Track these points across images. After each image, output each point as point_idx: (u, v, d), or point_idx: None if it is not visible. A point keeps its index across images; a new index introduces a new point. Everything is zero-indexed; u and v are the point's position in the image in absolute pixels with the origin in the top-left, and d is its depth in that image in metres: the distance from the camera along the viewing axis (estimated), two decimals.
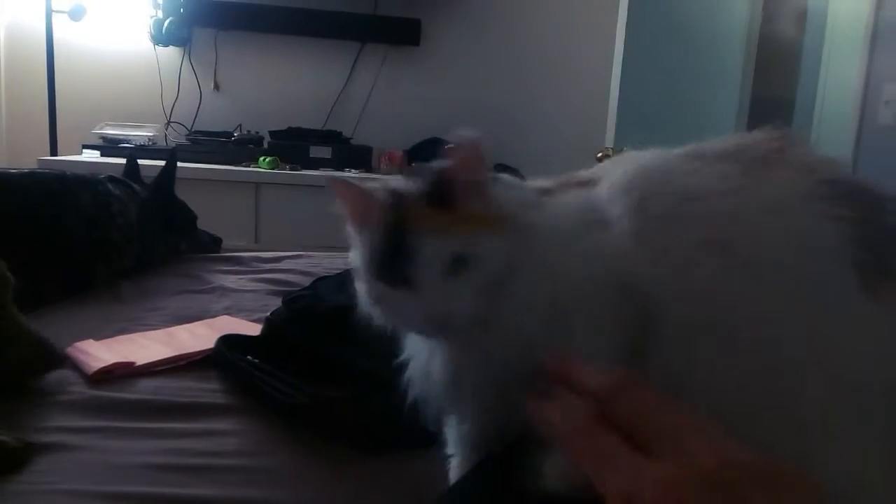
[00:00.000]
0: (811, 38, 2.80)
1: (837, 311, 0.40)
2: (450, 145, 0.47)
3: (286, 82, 3.10)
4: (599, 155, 2.35)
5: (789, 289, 0.40)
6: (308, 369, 0.88)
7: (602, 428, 0.35)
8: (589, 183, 0.51)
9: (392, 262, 0.46)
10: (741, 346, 0.41)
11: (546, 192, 0.51)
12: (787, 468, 0.32)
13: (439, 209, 0.45)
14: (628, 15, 2.23)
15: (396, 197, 0.47)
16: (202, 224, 1.78)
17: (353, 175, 2.81)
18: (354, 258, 0.50)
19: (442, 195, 0.46)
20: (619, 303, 0.44)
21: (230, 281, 1.45)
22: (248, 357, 0.92)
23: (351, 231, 0.51)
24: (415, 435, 0.77)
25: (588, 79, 3.03)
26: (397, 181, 0.49)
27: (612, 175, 0.50)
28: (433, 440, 0.75)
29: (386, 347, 0.88)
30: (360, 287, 0.50)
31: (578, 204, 0.49)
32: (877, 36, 2.24)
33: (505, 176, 0.51)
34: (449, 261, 0.44)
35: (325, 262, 1.62)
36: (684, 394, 0.39)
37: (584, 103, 3.03)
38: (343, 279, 1.19)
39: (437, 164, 0.48)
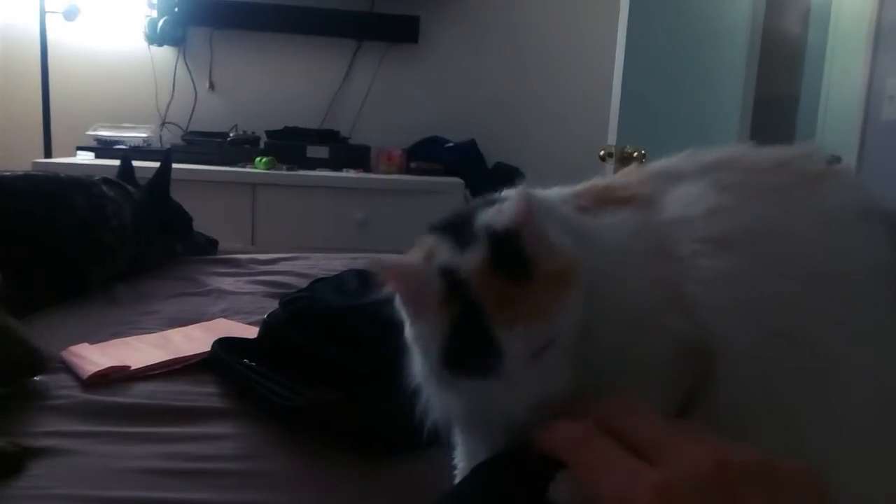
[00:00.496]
0: (815, 34, 2.79)
1: (878, 328, 0.41)
2: (501, 201, 0.41)
3: (282, 81, 3.08)
4: (602, 153, 2.33)
5: (842, 304, 0.41)
6: (306, 371, 0.86)
7: (600, 435, 0.35)
8: (634, 201, 0.47)
9: (468, 356, 0.40)
10: (798, 368, 0.41)
11: (584, 209, 0.46)
12: (787, 465, 0.32)
13: (511, 281, 0.38)
14: (630, 11, 2.21)
15: (456, 278, 0.39)
16: (198, 226, 1.76)
17: (353, 173, 2.80)
18: (412, 337, 0.44)
19: (509, 260, 0.38)
20: (690, 356, 0.42)
21: (226, 283, 1.43)
22: (245, 360, 0.91)
23: (404, 312, 0.44)
24: (415, 436, 0.76)
25: (590, 76, 3.02)
26: (446, 250, 0.41)
27: (668, 199, 0.46)
28: (433, 442, 0.74)
29: (385, 348, 0.86)
30: (419, 366, 0.45)
31: (636, 232, 0.45)
32: (880, 31, 2.23)
33: (541, 196, 0.44)
34: (538, 347, 0.39)
35: (322, 264, 1.60)
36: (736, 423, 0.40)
37: (586, 101, 3.02)
38: (341, 280, 1.18)
39: (489, 219, 0.40)
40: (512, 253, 0.39)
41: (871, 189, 0.46)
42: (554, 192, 0.49)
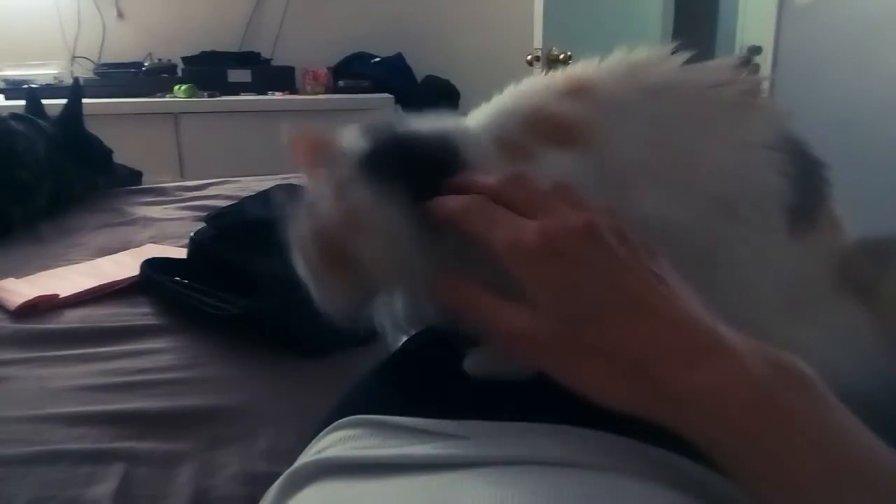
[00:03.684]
0: None
1: (774, 234, 0.47)
2: None
3: (195, 4, 2.93)
4: (529, 57, 2.32)
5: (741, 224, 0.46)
6: (237, 283, 0.87)
7: (487, 201, 0.39)
8: (578, 141, 0.45)
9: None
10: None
11: (518, 151, 0.45)
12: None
13: None
14: None
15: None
16: (122, 161, 1.71)
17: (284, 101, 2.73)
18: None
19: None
20: None
21: (154, 211, 1.41)
22: (177, 278, 0.91)
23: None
24: (348, 335, 0.78)
25: None
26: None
27: (617, 139, 0.45)
28: (368, 339, 0.76)
29: None
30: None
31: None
32: None
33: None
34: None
35: (253, 186, 1.58)
36: None
37: (510, 5, 2.98)
38: (268, 195, 1.17)
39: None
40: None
41: (790, 118, 0.48)
42: (482, 126, 0.46)
